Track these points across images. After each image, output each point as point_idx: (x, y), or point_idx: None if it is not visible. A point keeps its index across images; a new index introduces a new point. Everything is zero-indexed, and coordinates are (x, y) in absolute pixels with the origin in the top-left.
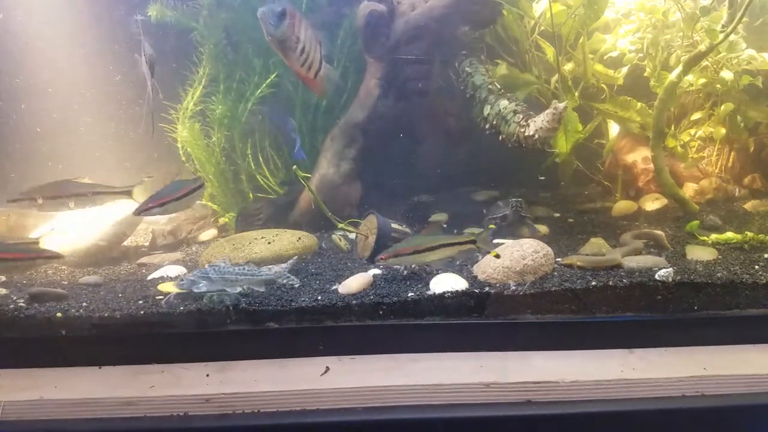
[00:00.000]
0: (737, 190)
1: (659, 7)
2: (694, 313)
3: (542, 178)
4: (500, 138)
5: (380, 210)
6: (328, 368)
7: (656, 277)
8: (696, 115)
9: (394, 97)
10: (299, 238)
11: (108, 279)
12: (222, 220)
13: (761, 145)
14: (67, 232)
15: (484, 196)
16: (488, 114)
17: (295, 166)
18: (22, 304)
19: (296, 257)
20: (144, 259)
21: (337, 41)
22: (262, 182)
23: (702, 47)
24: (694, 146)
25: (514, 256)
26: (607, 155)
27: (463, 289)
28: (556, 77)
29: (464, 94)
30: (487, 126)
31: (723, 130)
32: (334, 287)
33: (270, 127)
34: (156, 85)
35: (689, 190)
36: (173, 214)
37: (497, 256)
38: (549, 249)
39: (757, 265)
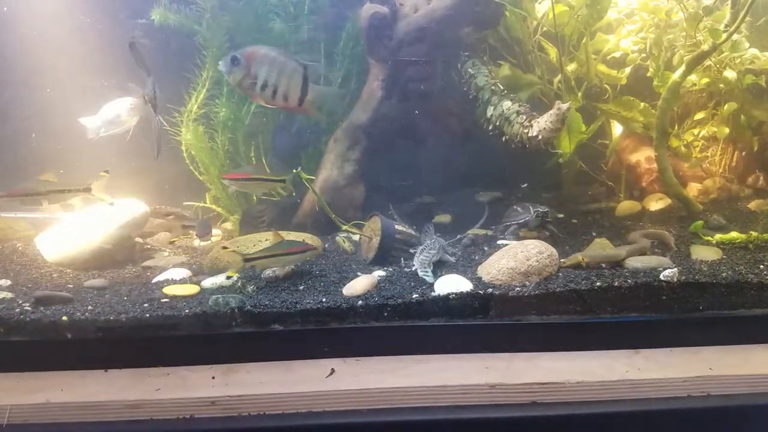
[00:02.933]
0: None
1: (662, 6)
2: (699, 313)
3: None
4: (503, 139)
5: (384, 211)
6: (333, 370)
7: (661, 277)
8: (699, 115)
9: (397, 99)
10: (303, 240)
11: (113, 282)
12: (228, 225)
13: (765, 144)
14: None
15: (487, 197)
16: (491, 115)
17: (299, 168)
18: (27, 307)
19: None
20: (149, 262)
21: (340, 43)
22: None
23: (705, 47)
24: (697, 146)
25: (519, 257)
26: (611, 155)
27: (468, 290)
28: (559, 78)
29: (467, 95)
30: (490, 127)
31: (726, 130)
32: (339, 289)
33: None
34: (161, 121)
35: (693, 189)
36: None
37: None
38: (553, 250)
39: (762, 264)
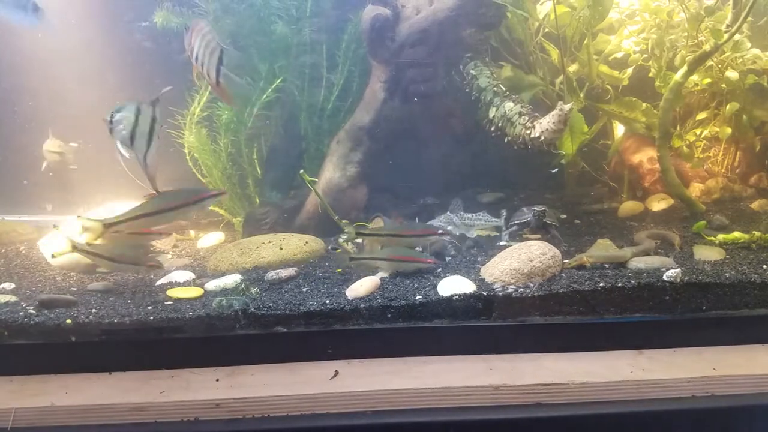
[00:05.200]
0: None
1: (663, 7)
2: (702, 313)
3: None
4: (506, 140)
5: (387, 213)
6: (337, 372)
7: (664, 277)
8: (701, 115)
9: (400, 100)
10: (306, 242)
11: (117, 285)
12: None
13: (767, 144)
14: None
15: (490, 198)
16: (494, 116)
17: (302, 170)
18: (31, 311)
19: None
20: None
21: (342, 45)
22: None
23: (707, 47)
24: (699, 146)
25: (522, 258)
26: (613, 156)
27: (471, 291)
28: (561, 78)
29: (469, 96)
30: (492, 128)
31: (729, 130)
32: (342, 291)
33: None
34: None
35: (695, 189)
36: None
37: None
38: (556, 250)
39: (765, 264)
